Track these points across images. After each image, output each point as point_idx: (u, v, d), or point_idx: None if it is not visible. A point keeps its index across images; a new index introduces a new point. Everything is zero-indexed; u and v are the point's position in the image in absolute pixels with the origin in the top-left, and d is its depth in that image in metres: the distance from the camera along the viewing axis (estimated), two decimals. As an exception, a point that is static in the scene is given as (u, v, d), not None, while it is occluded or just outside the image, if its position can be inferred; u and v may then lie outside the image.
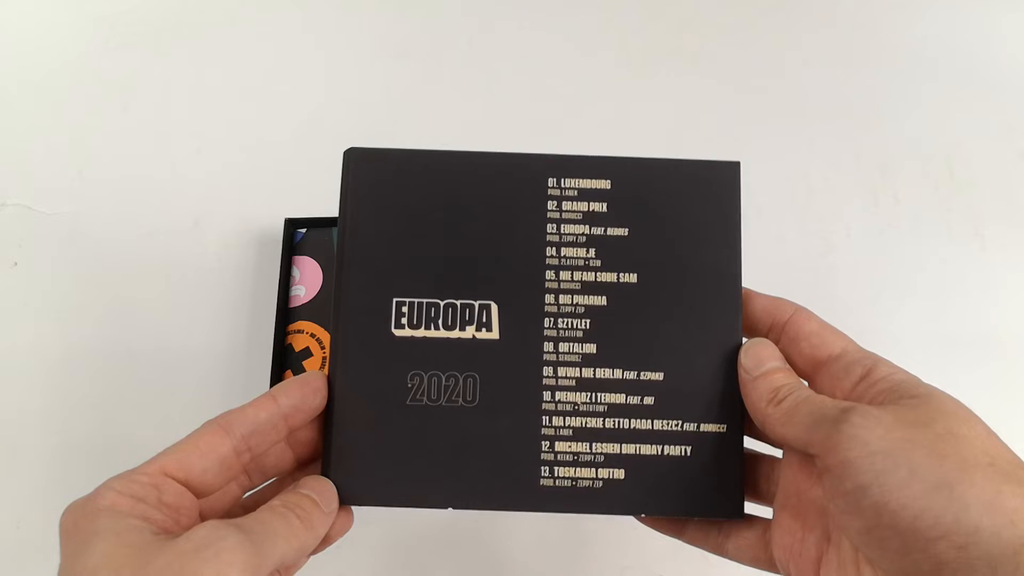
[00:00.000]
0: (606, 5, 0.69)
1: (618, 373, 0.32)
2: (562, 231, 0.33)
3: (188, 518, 0.28)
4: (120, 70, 0.65)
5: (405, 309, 0.33)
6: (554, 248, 0.33)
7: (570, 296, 0.33)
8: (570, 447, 0.32)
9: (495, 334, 0.33)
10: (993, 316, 0.60)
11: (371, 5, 0.68)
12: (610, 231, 0.33)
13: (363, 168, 0.34)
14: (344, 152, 0.34)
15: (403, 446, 0.32)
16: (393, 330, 0.33)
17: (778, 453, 0.33)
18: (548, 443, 0.32)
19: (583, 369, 0.32)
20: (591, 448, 0.32)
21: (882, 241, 0.62)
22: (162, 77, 0.65)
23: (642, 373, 0.32)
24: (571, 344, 0.33)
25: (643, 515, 0.33)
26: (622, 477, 0.32)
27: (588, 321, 0.33)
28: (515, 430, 0.32)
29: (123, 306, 0.58)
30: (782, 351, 0.32)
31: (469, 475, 0.32)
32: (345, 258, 0.33)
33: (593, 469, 0.32)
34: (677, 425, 0.32)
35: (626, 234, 0.33)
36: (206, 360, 0.57)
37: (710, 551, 0.33)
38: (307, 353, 0.54)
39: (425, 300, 0.33)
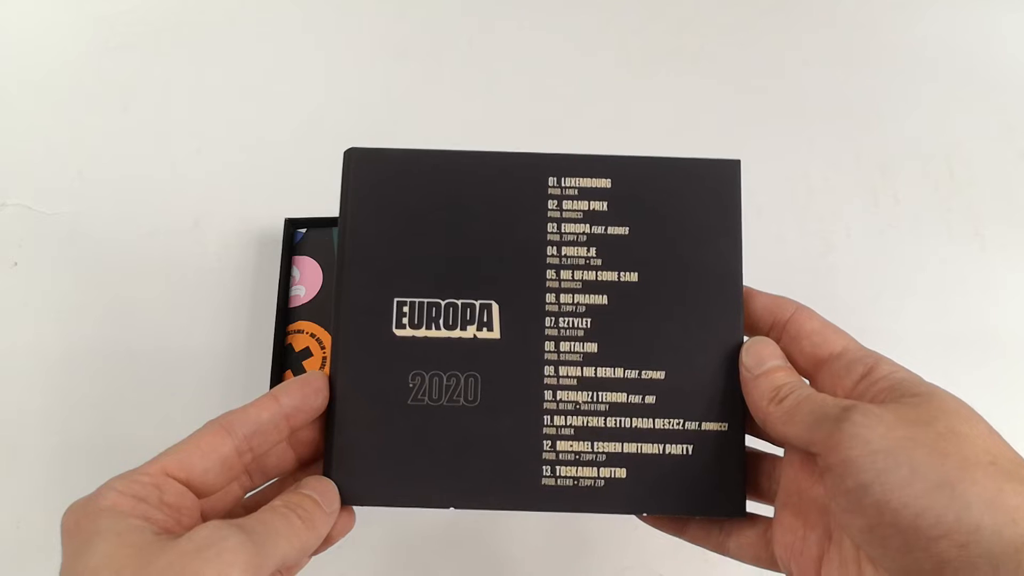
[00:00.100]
0: (606, 5, 0.69)
1: (619, 372, 0.32)
2: (563, 230, 0.33)
3: (189, 518, 0.28)
4: (120, 70, 0.65)
5: (406, 309, 0.33)
6: (555, 247, 0.33)
7: (571, 295, 0.33)
8: (572, 446, 0.32)
9: (496, 333, 0.33)
10: (993, 316, 0.60)
11: (371, 5, 0.68)
12: (611, 230, 0.33)
13: (364, 168, 0.34)
14: (344, 152, 0.34)
15: (405, 446, 0.32)
16: (394, 330, 0.33)
17: (779, 452, 0.33)
18: (550, 442, 0.32)
19: (584, 368, 0.32)
20: (593, 447, 0.32)
21: (882, 241, 0.62)
22: (162, 77, 0.65)
23: (643, 372, 0.32)
24: (572, 343, 0.33)
25: (645, 514, 0.33)
26: (624, 476, 0.32)
27: (589, 320, 0.33)
28: (516, 429, 0.32)
29: (123, 306, 0.58)
30: (783, 350, 0.32)
31: (471, 475, 0.32)
32: (346, 258, 0.33)
33: (595, 468, 0.32)
34: (678, 424, 0.32)
35: (627, 233, 0.33)
36: (206, 360, 0.57)
37: (711, 550, 0.33)
38: (307, 353, 0.54)
39: (426, 300, 0.33)
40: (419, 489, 0.32)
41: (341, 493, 0.31)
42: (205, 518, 0.29)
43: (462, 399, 0.32)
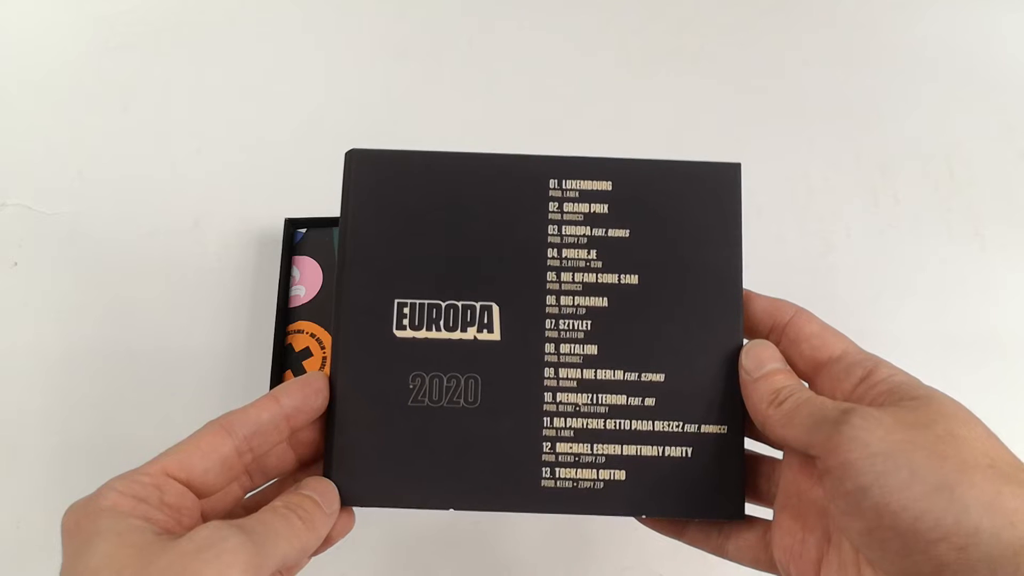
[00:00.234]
0: (606, 5, 0.69)
1: (619, 374, 0.32)
2: (563, 232, 0.33)
3: (190, 518, 0.28)
4: (120, 70, 0.65)
5: (406, 310, 0.33)
6: (555, 249, 0.33)
7: (571, 297, 0.33)
8: (571, 448, 0.32)
9: (496, 335, 0.33)
10: (993, 316, 0.60)
11: (371, 5, 0.68)
12: (611, 232, 0.33)
13: (364, 169, 0.34)
14: (346, 153, 0.34)
15: (405, 447, 0.32)
16: (394, 331, 0.33)
17: (778, 454, 0.33)
18: (549, 444, 0.32)
19: (584, 370, 0.33)
20: (592, 449, 0.32)
21: (882, 241, 0.62)
22: (162, 77, 0.65)
23: (643, 374, 0.32)
24: (572, 345, 0.33)
25: (644, 516, 0.33)
26: (623, 478, 0.32)
27: (589, 322, 0.33)
28: (516, 431, 0.32)
29: (123, 306, 0.58)
30: (783, 352, 0.32)
31: (470, 476, 0.32)
32: (347, 258, 0.33)
33: (594, 470, 0.32)
34: (678, 426, 0.32)
35: (627, 235, 0.33)
36: (206, 360, 0.57)
37: (710, 552, 0.33)
38: (307, 353, 0.54)
39: (426, 301, 0.33)
40: (419, 490, 0.32)
41: (341, 494, 0.31)
42: (205, 518, 0.29)
43: (462, 400, 0.32)
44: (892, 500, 0.24)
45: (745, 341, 0.33)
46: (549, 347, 0.33)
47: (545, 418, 0.32)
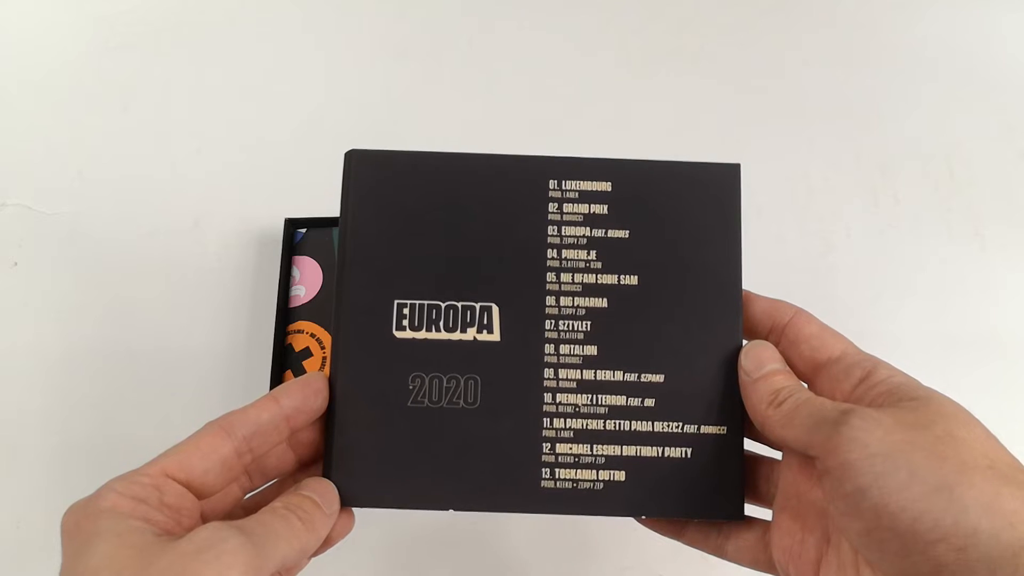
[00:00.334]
0: (606, 5, 0.69)
1: (619, 375, 0.32)
2: (563, 233, 0.33)
3: (189, 519, 0.28)
4: (120, 70, 0.65)
5: (406, 311, 0.33)
6: (555, 250, 0.33)
7: (571, 298, 0.33)
8: (571, 449, 0.32)
9: (496, 336, 0.33)
10: (993, 316, 0.60)
11: (371, 5, 0.68)
12: (611, 233, 0.33)
13: (364, 170, 0.34)
14: (345, 154, 0.34)
15: (404, 448, 0.32)
16: (394, 332, 0.33)
17: (778, 455, 0.33)
18: (549, 445, 0.32)
19: (584, 371, 0.33)
20: (592, 450, 0.32)
21: (882, 241, 0.62)
22: (162, 77, 0.65)
23: (643, 375, 0.32)
24: (572, 346, 0.33)
25: (643, 517, 0.33)
26: (623, 479, 0.32)
27: (589, 323, 0.33)
28: (516, 432, 0.32)
29: (123, 306, 0.58)
30: (782, 353, 0.32)
31: (470, 477, 0.32)
32: (346, 259, 0.33)
33: (594, 471, 0.32)
34: (677, 427, 0.32)
35: (627, 236, 0.33)
36: (206, 360, 0.57)
37: (710, 553, 0.33)
38: (307, 353, 0.54)
39: (426, 302, 0.33)
40: (419, 491, 0.32)
41: (341, 494, 0.31)
42: (205, 519, 0.29)
43: (462, 401, 0.32)
44: (891, 501, 0.24)
45: (744, 342, 0.33)
46: (549, 348, 0.33)
47: (545, 419, 0.32)
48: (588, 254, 0.33)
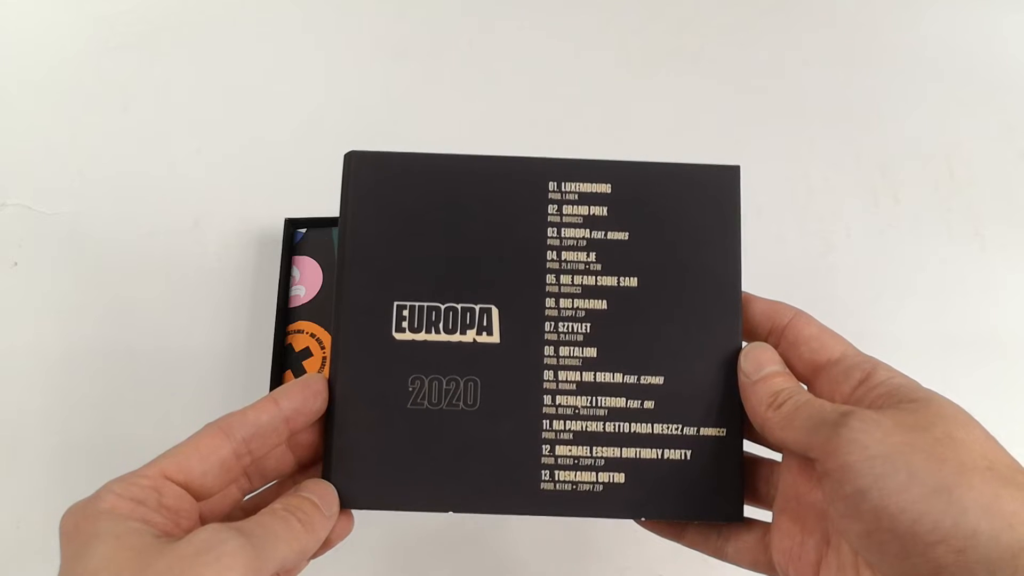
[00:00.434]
0: (606, 5, 0.69)
1: (618, 377, 0.32)
2: (563, 235, 0.33)
3: (188, 521, 0.28)
4: (120, 70, 0.65)
5: (406, 313, 0.33)
6: (555, 252, 0.33)
7: (571, 300, 0.33)
8: (570, 451, 0.32)
9: (496, 338, 0.33)
10: (993, 316, 0.60)
11: (371, 5, 0.68)
12: (610, 235, 0.33)
13: (364, 171, 0.34)
14: (345, 155, 0.34)
15: (404, 450, 0.32)
16: (394, 333, 0.33)
17: (777, 457, 0.33)
18: (548, 447, 0.32)
19: (583, 373, 0.33)
20: (591, 452, 0.32)
21: (882, 241, 0.62)
22: (162, 77, 0.65)
23: (642, 377, 0.32)
24: (571, 348, 0.33)
25: (643, 519, 0.33)
26: (622, 481, 0.32)
27: (588, 325, 0.33)
28: (516, 434, 0.32)
29: (123, 306, 0.58)
30: (781, 355, 0.32)
31: (470, 479, 0.32)
32: (346, 260, 0.33)
33: (593, 473, 0.32)
34: (677, 429, 0.32)
35: (626, 238, 0.33)
36: (206, 360, 0.57)
37: (710, 555, 0.33)
38: (307, 353, 0.54)
39: (426, 304, 0.33)
40: (418, 493, 0.32)
41: (340, 496, 0.31)
42: (204, 521, 0.29)
43: (461, 403, 0.32)
44: (890, 502, 0.24)
45: (744, 344, 0.33)
46: (548, 350, 0.33)
47: (544, 421, 0.32)
48: (588, 256, 0.33)
